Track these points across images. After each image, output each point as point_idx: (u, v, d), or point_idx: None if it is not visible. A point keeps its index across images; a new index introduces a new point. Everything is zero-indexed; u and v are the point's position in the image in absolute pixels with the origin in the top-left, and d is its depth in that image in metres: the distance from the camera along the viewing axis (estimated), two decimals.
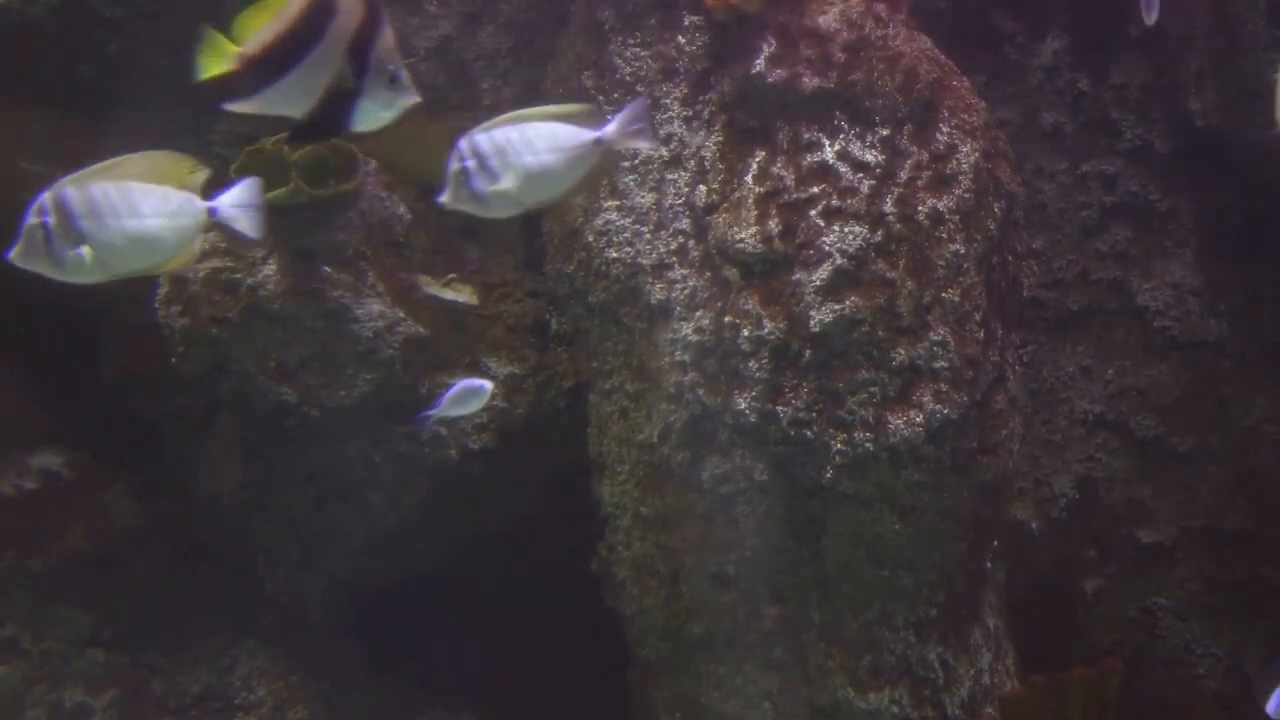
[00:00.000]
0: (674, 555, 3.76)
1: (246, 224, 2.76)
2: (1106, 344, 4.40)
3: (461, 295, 4.06)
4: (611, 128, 2.80)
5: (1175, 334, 4.34)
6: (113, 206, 2.63)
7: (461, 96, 4.31)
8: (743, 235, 3.56)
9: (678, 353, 3.66)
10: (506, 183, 2.73)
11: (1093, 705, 3.37)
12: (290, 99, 2.37)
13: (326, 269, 3.81)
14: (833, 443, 3.49)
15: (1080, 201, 4.40)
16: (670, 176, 3.80)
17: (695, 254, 3.72)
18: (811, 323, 3.48)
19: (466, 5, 4.34)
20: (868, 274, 3.50)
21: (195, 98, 4.10)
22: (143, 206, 2.65)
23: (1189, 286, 4.33)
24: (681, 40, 3.84)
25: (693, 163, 3.77)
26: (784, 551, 3.61)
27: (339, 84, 2.38)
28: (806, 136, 3.60)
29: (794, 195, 3.57)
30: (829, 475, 3.50)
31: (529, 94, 4.25)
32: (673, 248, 3.76)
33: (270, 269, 3.77)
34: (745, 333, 3.53)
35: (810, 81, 3.60)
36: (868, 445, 3.48)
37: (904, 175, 3.57)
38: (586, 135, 2.79)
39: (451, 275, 4.09)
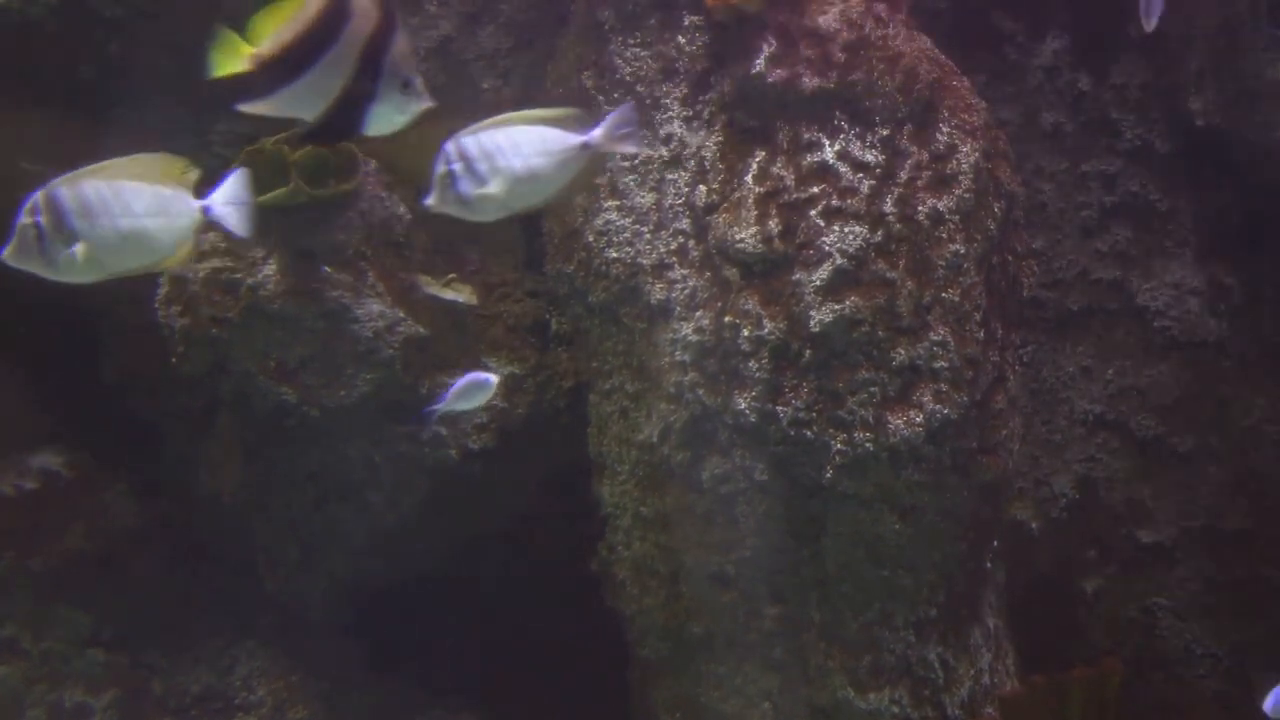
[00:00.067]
0: (674, 555, 3.76)
1: (238, 221, 2.76)
2: (1106, 344, 4.40)
3: (461, 295, 4.06)
4: (599, 132, 2.80)
5: (1175, 334, 4.34)
6: (105, 205, 2.63)
7: (461, 96, 4.31)
8: (743, 235, 3.56)
9: (678, 353, 3.66)
10: (493, 186, 2.73)
11: (1093, 705, 3.37)
12: (303, 101, 2.36)
13: (326, 269, 3.81)
14: (833, 443, 3.49)
15: (1080, 201, 4.40)
16: (670, 176, 3.80)
17: (695, 254, 3.72)
18: (811, 323, 3.49)
19: (466, 5, 4.34)
20: (868, 274, 3.50)
21: (195, 98, 4.12)
22: (136, 205, 2.65)
23: (1189, 286, 4.33)
24: (681, 40, 3.84)
25: (693, 163, 3.77)
26: (784, 551, 3.61)
27: (353, 88, 2.37)
28: (806, 136, 3.60)
29: (794, 195, 3.57)
30: (829, 475, 3.50)
31: (529, 94, 4.25)
32: (673, 248, 3.76)
33: (270, 269, 3.77)
34: (745, 333, 3.53)
35: (810, 81, 3.60)
36: (868, 445, 3.48)
37: (904, 175, 3.57)
38: (574, 139, 2.78)
39: (451, 275, 4.09)
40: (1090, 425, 4.40)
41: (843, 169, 3.57)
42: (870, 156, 3.58)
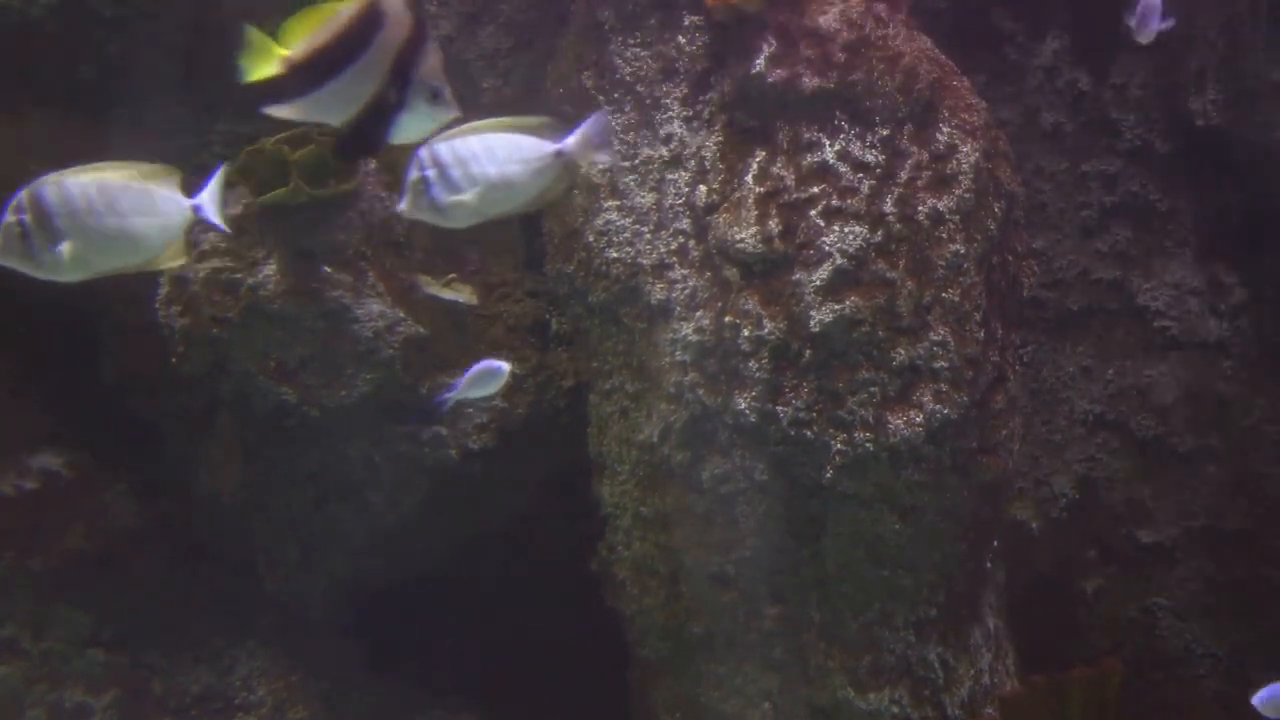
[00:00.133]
0: (674, 555, 3.76)
1: (223, 217, 2.77)
2: (1106, 344, 4.40)
3: (461, 295, 4.06)
4: (573, 139, 2.79)
5: (1175, 334, 4.34)
6: (90, 204, 2.63)
7: (462, 97, 4.30)
8: (743, 235, 3.56)
9: (678, 353, 3.66)
10: (467, 193, 2.72)
11: (1093, 705, 3.37)
12: (332, 107, 2.34)
13: (326, 269, 3.81)
14: (833, 443, 3.49)
15: (1080, 201, 4.40)
16: (670, 176, 3.80)
17: (695, 254, 3.72)
18: (811, 323, 3.48)
19: (466, 5, 4.34)
20: (868, 274, 3.50)
21: (195, 98, 4.12)
22: (122, 204, 2.65)
23: (1189, 286, 4.33)
24: (681, 40, 3.84)
25: (693, 163, 3.77)
26: (784, 551, 3.61)
27: (383, 96, 2.35)
28: (806, 136, 3.60)
29: (794, 195, 3.57)
30: (829, 475, 3.50)
31: (529, 94, 4.26)
32: (673, 248, 3.76)
33: (270, 269, 3.77)
34: (745, 333, 3.53)
35: (810, 81, 3.60)
36: (868, 445, 3.48)
37: (904, 175, 3.57)
38: (548, 147, 2.78)
39: (451, 275, 4.09)
40: (1090, 425, 4.40)
41: (843, 169, 3.57)
42: (870, 156, 3.58)
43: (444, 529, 4.16)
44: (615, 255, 3.84)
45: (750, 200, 3.59)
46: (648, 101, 3.86)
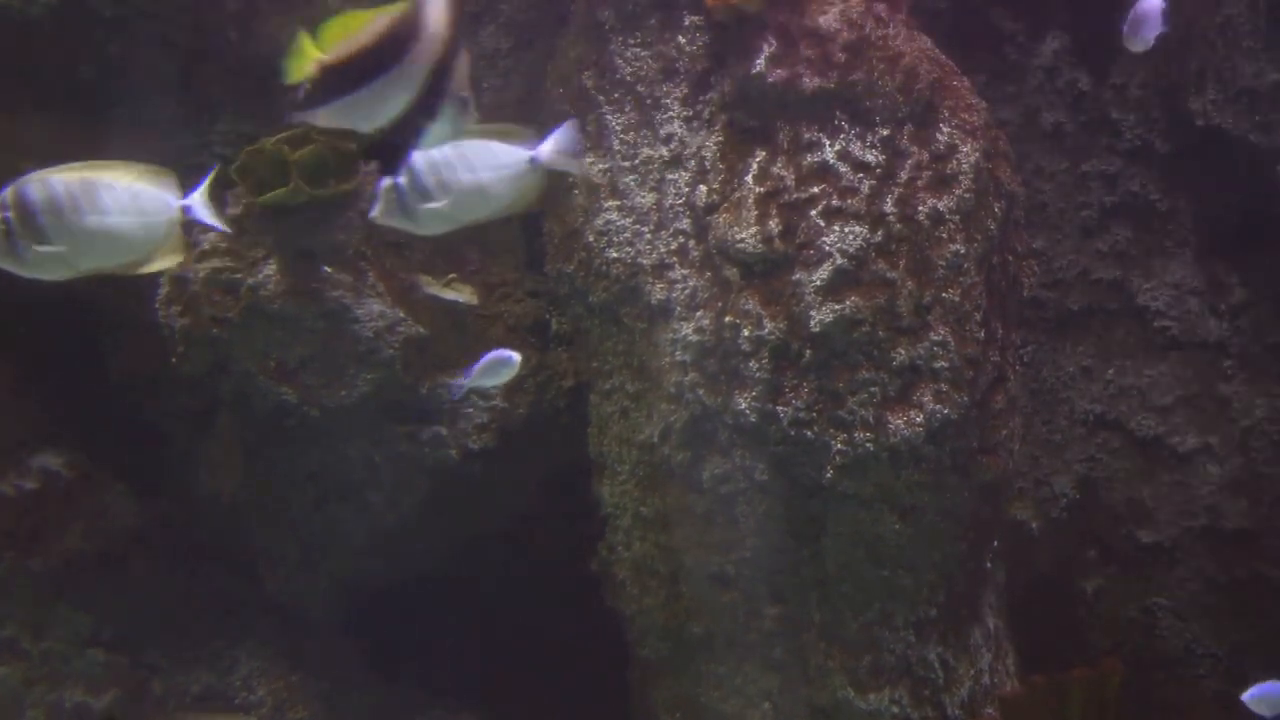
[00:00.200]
0: (674, 555, 3.76)
1: (216, 216, 2.76)
2: (1106, 344, 4.40)
3: (462, 295, 4.06)
4: (546, 147, 2.78)
5: (1175, 334, 4.34)
6: (75, 203, 2.62)
7: None
8: (743, 235, 3.56)
9: (678, 353, 3.66)
10: (440, 201, 2.72)
11: (1093, 705, 3.37)
12: (361, 114, 2.30)
13: (326, 269, 3.81)
14: (833, 443, 3.49)
15: (1080, 201, 4.40)
16: (671, 176, 3.80)
17: (695, 254, 3.72)
18: (812, 323, 3.48)
19: (467, 5, 4.34)
20: (868, 274, 3.50)
21: (195, 98, 4.12)
22: (107, 203, 2.64)
23: (1189, 286, 4.33)
24: (682, 40, 3.84)
25: (693, 163, 3.77)
26: (784, 551, 3.61)
27: (420, 107, 2.33)
28: (807, 136, 3.60)
29: (794, 195, 3.57)
30: (829, 475, 3.50)
31: (529, 94, 4.26)
32: (673, 248, 3.76)
33: (270, 269, 3.77)
34: (745, 333, 3.53)
35: (810, 81, 3.60)
36: (868, 445, 3.48)
37: (904, 175, 3.57)
38: (521, 154, 2.77)
39: (452, 275, 4.09)
40: (1090, 425, 4.40)
41: (843, 169, 3.57)
42: (870, 156, 3.58)
43: (444, 529, 4.16)
44: (615, 255, 3.84)
45: (750, 200, 3.59)
46: (648, 101, 3.86)
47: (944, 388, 3.51)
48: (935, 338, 3.50)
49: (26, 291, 3.03)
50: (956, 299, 3.54)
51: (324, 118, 2.27)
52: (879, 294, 3.49)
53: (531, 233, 4.20)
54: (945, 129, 3.64)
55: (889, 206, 3.54)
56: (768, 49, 3.64)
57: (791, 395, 3.51)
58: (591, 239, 3.88)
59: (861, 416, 3.48)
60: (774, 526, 3.60)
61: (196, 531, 4.35)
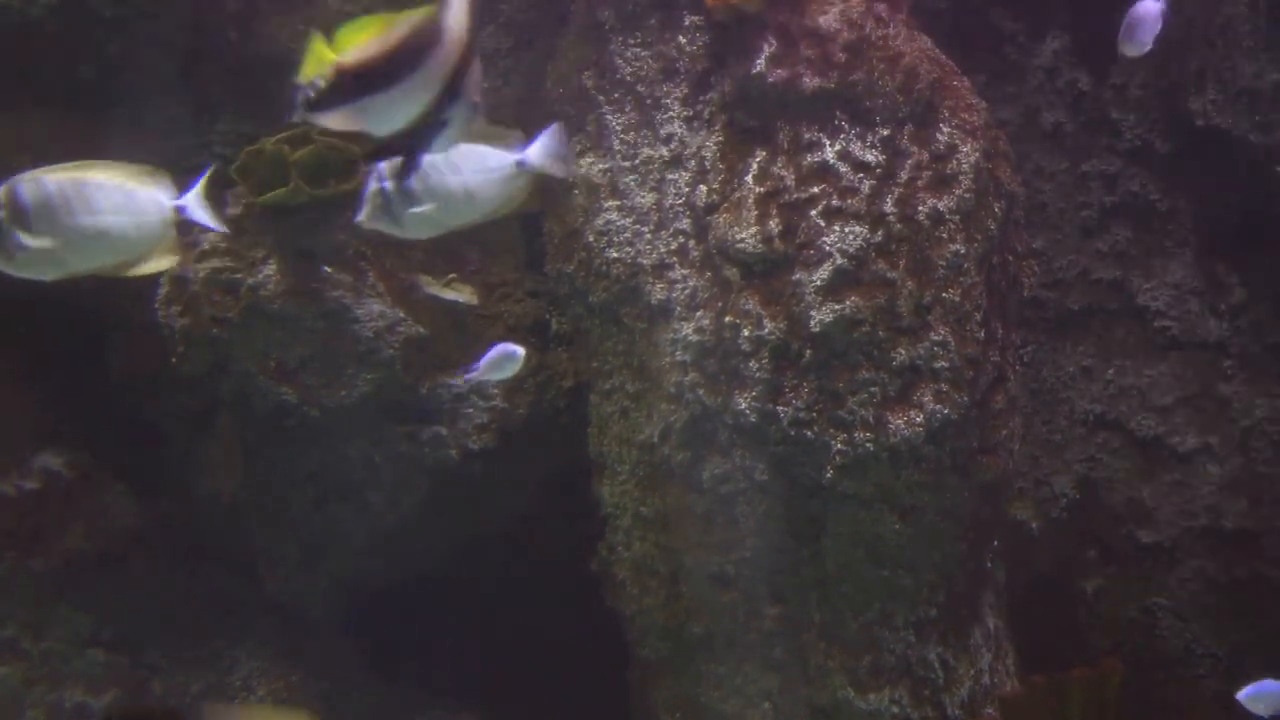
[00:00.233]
0: (674, 555, 3.76)
1: (214, 217, 2.76)
2: (1106, 344, 4.39)
3: (462, 295, 4.06)
4: (532, 150, 2.78)
5: (1175, 334, 4.34)
6: (67, 203, 2.61)
7: None
8: (743, 235, 3.56)
9: (678, 353, 3.66)
10: (427, 205, 2.71)
11: (1093, 705, 3.37)
12: (374, 118, 2.29)
13: (327, 269, 3.81)
14: (833, 443, 3.49)
15: (1080, 201, 4.40)
16: (671, 176, 3.80)
17: (695, 254, 3.72)
18: (812, 323, 3.48)
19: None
20: (868, 274, 3.50)
21: (195, 98, 4.12)
22: (100, 203, 2.64)
23: (1189, 286, 4.33)
24: (682, 40, 3.84)
25: (693, 163, 3.77)
26: (784, 551, 3.61)
27: (436, 112, 2.32)
28: (807, 136, 3.60)
29: (794, 195, 3.57)
30: (829, 475, 3.50)
31: (529, 94, 4.25)
32: (673, 248, 3.76)
33: (270, 269, 3.77)
34: (745, 333, 3.53)
35: (811, 81, 3.60)
36: (868, 445, 3.48)
37: (904, 175, 3.57)
38: (508, 158, 2.76)
39: (452, 275, 4.09)
40: (1090, 425, 4.39)
41: (843, 169, 3.57)
42: (871, 156, 3.58)
43: (444, 529, 4.16)
44: (615, 255, 3.84)
45: (750, 200, 3.59)
46: (648, 101, 3.86)
47: (944, 388, 3.51)
48: (935, 338, 3.50)
49: (27, 292, 3.03)
50: (956, 299, 3.54)
51: (339, 120, 2.26)
52: (879, 294, 3.49)
53: (531, 233, 4.20)
54: (945, 129, 3.64)
55: (889, 206, 3.54)
56: (768, 49, 3.64)
57: (791, 395, 3.51)
58: (591, 239, 3.88)
59: (861, 416, 3.48)
60: (774, 526, 3.60)
61: (196, 531, 4.35)
